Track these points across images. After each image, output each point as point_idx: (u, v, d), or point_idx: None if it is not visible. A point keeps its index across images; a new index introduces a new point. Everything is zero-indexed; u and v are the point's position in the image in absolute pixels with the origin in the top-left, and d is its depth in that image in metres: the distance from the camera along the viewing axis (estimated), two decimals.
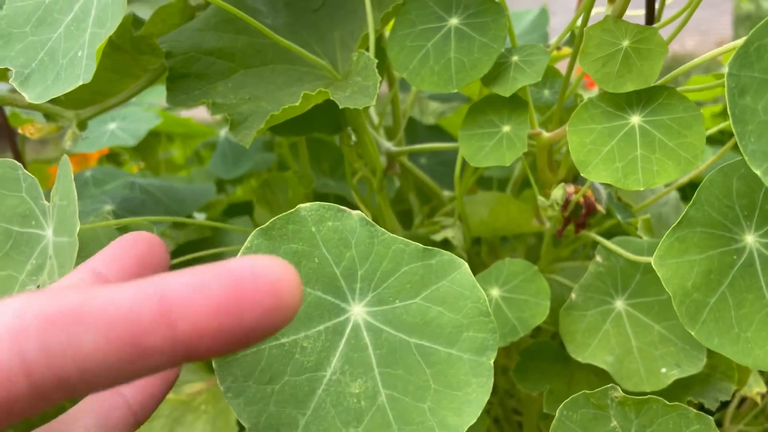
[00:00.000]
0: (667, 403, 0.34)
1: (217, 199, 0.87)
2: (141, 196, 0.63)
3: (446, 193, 0.59)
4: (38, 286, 0.37)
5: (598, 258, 0.47)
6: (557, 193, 0.41)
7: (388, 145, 0.51)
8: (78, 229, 0.34)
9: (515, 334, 0.44)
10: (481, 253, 0.78)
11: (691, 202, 0.33)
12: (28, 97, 0.30)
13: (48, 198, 0.37)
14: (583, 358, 0.45)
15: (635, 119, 0.35)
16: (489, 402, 0.60)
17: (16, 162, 0.37)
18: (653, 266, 0.33)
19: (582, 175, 0.34)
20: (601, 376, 0.48)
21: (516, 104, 0.41)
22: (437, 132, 0.80)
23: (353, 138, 0.49)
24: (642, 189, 0.33)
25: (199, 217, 0.85)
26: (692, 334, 0.33)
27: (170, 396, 0.63)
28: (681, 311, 0.33)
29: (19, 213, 0.37)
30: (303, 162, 0.64)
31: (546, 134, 0.43)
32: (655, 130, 0.35)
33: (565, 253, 0.60)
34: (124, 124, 0.71)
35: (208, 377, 0.64)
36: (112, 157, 1.02)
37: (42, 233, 0.37)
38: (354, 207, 0.77)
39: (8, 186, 0.37)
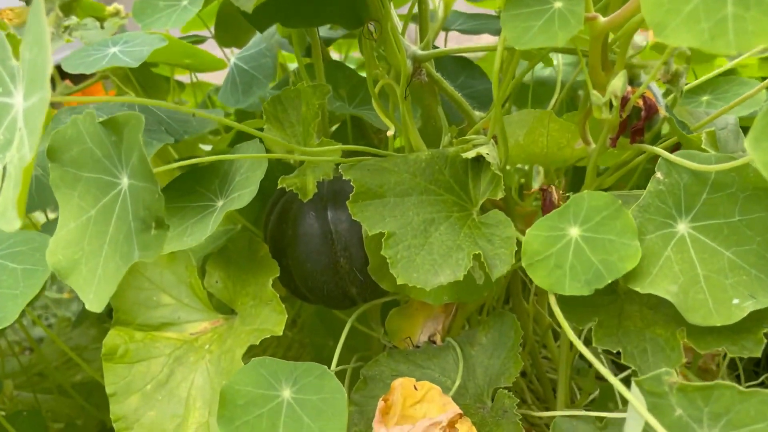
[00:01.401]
0: (742, 389, 0.29)
1: (224, 135, 0.81)
2: (140, 113, 0.57)
3: (477, 114, 0.53)
4: (4, 167, 0.32)
5: (659, 174, 0.40)
6: (617, 83, 0.35)
7: (414, 48, 0.45)
8: (49, 81, 0.29)
9: (601, 279, 0.38)
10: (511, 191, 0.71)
11: None
12: None
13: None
14: (643, 287, 0.38)
15: None
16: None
17: None
18: (747, 148, 0.27)
19: (658, 39, 0.28)
20: (656, 310, 0.42)
21: None
22: (467, 63, 0.73)
23: (374, 35, 0.43)
24: (734, 53, 0.26)
25: (206, 148, 0.80)
26: None
27: (172, 335, 0.58)
28: None
29: None
30: (319, 81, 0.58)
31: (602, 19, 0.36)
32: None
33: (609, 183, 0.54)
34: (126, 47, 0.65)
35: (213, 317, 0.59)
36: None
37: (10, 101, 0.32)
38: (370, 126, 0.70)
39: None
